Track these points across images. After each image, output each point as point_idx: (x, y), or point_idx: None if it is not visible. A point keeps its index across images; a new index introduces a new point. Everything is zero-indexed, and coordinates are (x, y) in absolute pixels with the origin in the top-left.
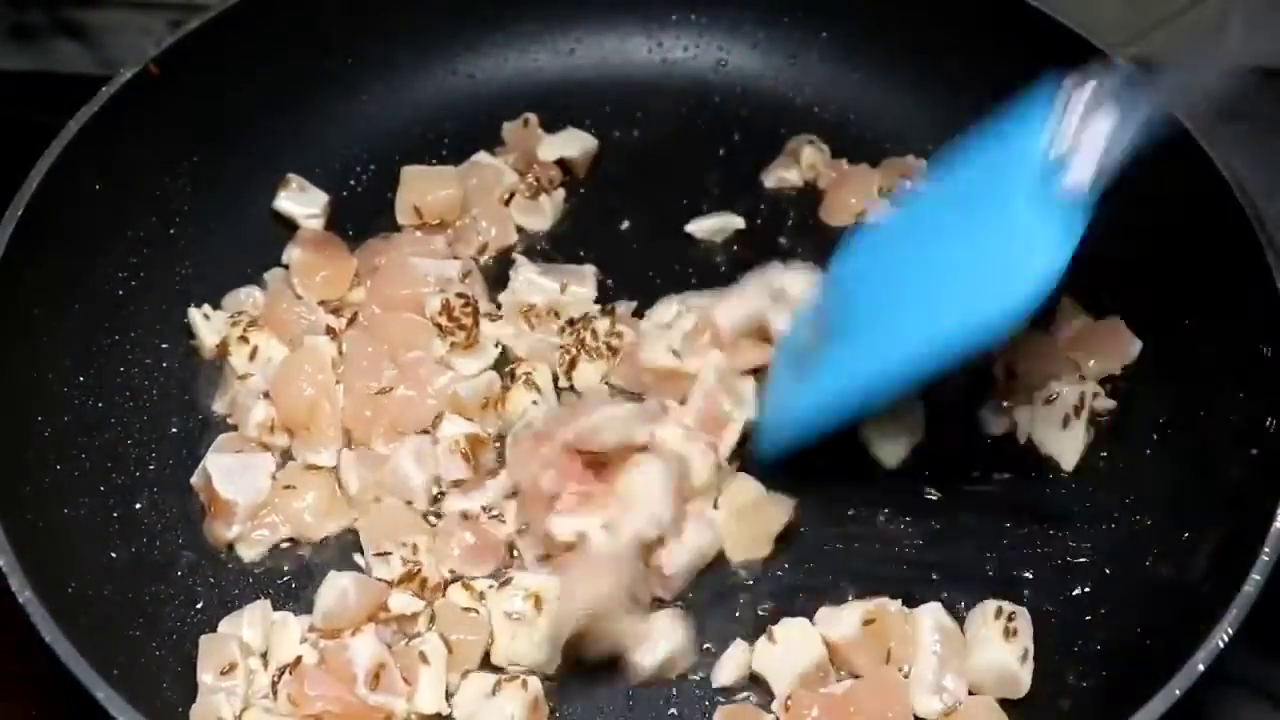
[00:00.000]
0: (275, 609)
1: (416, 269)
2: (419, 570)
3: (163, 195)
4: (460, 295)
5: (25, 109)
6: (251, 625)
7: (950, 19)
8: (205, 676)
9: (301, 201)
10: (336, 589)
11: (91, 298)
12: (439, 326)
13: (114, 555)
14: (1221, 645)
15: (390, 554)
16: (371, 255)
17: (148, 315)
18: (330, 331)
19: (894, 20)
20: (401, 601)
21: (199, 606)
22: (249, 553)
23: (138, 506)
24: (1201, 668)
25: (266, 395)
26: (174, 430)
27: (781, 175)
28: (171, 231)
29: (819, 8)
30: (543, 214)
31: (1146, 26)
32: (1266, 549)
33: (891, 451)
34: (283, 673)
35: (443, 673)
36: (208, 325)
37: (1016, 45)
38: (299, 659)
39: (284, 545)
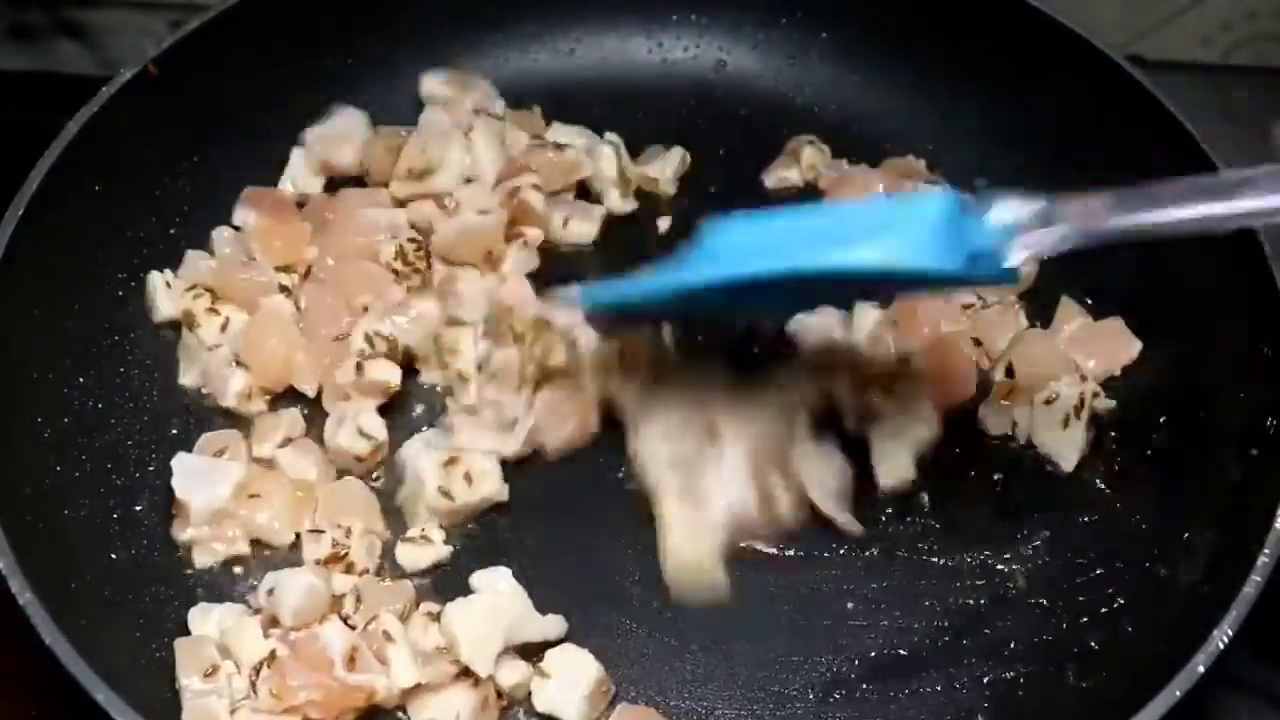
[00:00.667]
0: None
1: (366, 218)
2: (345, 554)
3: (163, 195)
4: (412, 240)
5: (25, 109)
6: (218, 625)
7: (950, 19)
8: (188, 680)
9: (305, 172)
10: (303, 586)
11: (92, 298)
12: (394, 271)
13: (114, 556)
14: (1221, 646)
15: (324, 533)
16: (319, 212)
17: (148, 316)
18: (284, 290)
19: (894, 20)
20: (341, 582)
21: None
22: (202, 559)
23: (138, 508)
24: (1201, 669)
25: (239, 363)
26: (174, 431)
27: (782, 175)
28: (172, 231)
29: (819, 8)
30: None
31: (1146, 27)
32: (1266, 550)
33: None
34: (259, 670)
35: (408, 646)
36: (167, 293)
37: (1016, 45)
38: (273, 654)
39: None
